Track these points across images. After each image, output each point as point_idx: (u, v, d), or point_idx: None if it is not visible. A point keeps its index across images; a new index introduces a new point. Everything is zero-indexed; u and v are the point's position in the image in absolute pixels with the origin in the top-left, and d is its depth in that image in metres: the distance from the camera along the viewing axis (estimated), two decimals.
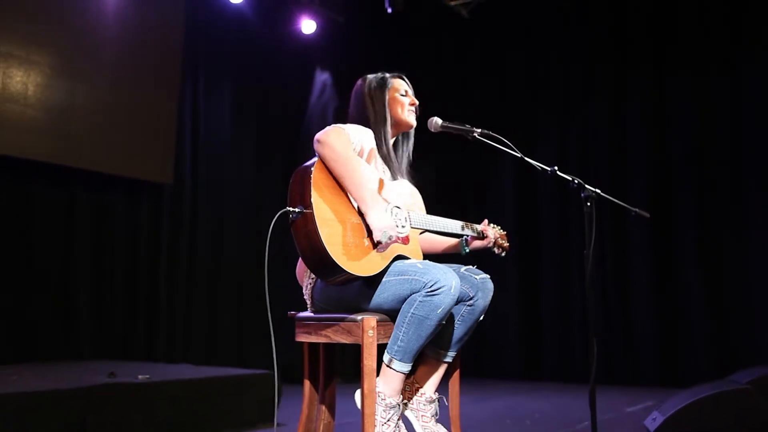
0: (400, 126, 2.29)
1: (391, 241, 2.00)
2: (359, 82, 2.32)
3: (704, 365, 5.30)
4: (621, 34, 6.05)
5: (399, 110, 2.27)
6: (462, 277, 2.08)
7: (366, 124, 2.22)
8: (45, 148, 4.56)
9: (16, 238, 4.52)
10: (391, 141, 2.28)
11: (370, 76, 2.31)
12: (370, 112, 2.24)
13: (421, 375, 2.17)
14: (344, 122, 2.18)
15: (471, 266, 2.17)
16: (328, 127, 2.04)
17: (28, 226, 4.59)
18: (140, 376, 3.40)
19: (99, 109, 4.84)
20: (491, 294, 2.15)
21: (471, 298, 2.10)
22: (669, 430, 2.88)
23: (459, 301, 2.08)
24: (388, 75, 2.32)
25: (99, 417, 3.00)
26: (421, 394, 2.15)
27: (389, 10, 6.08)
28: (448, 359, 2.16)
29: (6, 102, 4.36)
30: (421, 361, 2.17)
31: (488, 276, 2.16)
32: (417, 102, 2.32)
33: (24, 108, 4.45)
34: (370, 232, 2.01)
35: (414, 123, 2.32)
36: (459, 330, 2.13)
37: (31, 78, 4.49)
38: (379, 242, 1.99)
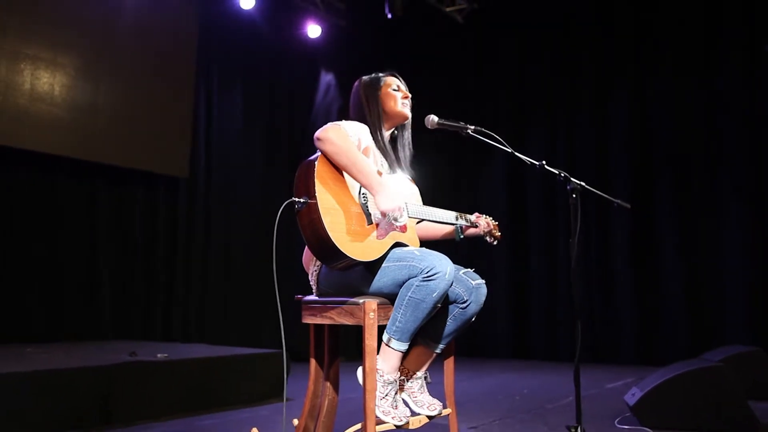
0: (395, 118, 2.26)
1: (397, 223, 2.00)
2: (355, 83, 2.30)
3: (680, 345, 5.32)
4: (606, 36, 6.03)
5: (392, 103, 2.23)
6: (458, 280, 2.06)
7: (362, 121, 2.21)
8: (69, 144, 4.56)
9: (44, 228, 4.53)
10: (387, 134, 2.26)
11: (364, 77, 2.30)
12: (365, 109, 2.22)
13: (410, 360, 2.16)
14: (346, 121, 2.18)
15: (469, 269, 2.14)
16: (325, 125, 2.03)
17: (55, 217, 4.60)
18: (159, 355, 3.42)
19: (119, 107, 4.84)
20: (484, 298, 2.12)
21: (464, 302, 2.08)
22: (647, 404, 2.90)
23: (452, 302, 2.08)
24: (381, 74, 2.30)
25: (121, 392, 3.02)
26: (411, 377, 2.16)
27: (389, 16, 6.09)
28: (438, 350, 2.15)
29: (34, 101, 4.36)
30: (412, 350, 2.15)
31: (483, 281, 2.13)
32: (410, 95, 2.29)
33: (50, 107, 4.45)
34: (370, 220, 2.02)
35: (408, 114, 2.27)
36: (449, 327, 2.12)
37: (57, 79, 4.48)
38: (393, 220, 2.00)
